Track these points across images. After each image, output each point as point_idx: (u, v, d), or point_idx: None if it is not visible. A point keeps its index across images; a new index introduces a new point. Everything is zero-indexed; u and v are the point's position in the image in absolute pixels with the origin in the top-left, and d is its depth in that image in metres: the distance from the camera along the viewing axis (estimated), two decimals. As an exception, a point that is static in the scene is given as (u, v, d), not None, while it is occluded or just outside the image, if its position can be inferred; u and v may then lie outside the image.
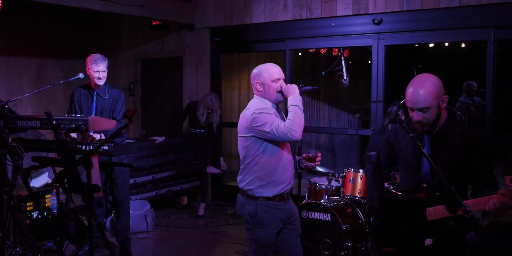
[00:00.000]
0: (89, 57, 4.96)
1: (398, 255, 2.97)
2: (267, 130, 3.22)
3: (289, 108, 3.29)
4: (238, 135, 3.45)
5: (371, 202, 3.32)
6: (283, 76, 3.44)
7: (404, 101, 2.89)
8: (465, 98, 8.08)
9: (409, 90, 2.82)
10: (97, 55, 4.96)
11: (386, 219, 2.36)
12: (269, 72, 3.39)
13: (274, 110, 3.39)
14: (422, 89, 2.76)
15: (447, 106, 2.86)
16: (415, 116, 2.77)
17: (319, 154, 3.50)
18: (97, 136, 4.64)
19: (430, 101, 2.77)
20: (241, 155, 3.46)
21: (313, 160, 3.45)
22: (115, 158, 4.91)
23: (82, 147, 3.77)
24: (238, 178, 3.50)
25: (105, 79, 4.96)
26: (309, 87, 3.50)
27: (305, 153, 3.58)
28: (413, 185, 2.96)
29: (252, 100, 3.49)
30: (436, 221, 2.52)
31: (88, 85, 5.02)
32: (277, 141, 3.31)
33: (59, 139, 3.80)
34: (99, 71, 4.87)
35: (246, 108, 3.44)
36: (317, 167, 5.47)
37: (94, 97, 4.97)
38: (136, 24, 8.58)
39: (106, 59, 4.99)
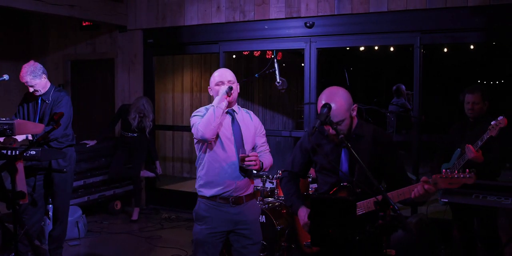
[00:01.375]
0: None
1: (322, 254, 3.06)
2: (191, 131, 3.40)
3: None
4: None
5: (291, 209, 3.38)
6: (228, 79, 3.48)
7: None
8: (396, 99, 8.46)
9: (321, 105, 2.89)
10: (24, 68, 4.67)
11: (316, 220, 2.39)
12: (214, 77, 3.51)
13: (205, 112, 3.41)
14: (333, 103, 2.87)
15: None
16: (331, 129, 2.84)
17: (251, 154, 3.36)
18: (21, 137, 4.47)
19: (342, 114, 2.90)
20: None
21: (242, 160, 3.37)
22: (54, 164, 4.77)
23: (6, 152, 3.62)
24: None
25: (41, 89, 4.75)
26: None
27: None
28: (331, 185, 3.08)
29: None
30: (366, 219, 2.60)
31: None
32: (211, 142, 3.38)
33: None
34: (28, 86, 4.70)
35: None
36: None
37: (39, 102, 4.82)
38: (65, 25, 8.32)
39: (34, 71, 4.66)
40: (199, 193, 3.51)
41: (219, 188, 3.42)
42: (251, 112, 3.69)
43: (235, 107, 3.57)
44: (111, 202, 7.12)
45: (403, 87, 8.44)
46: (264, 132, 3.67)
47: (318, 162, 3.20)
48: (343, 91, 2.97)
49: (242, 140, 3.46)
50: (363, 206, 2.78)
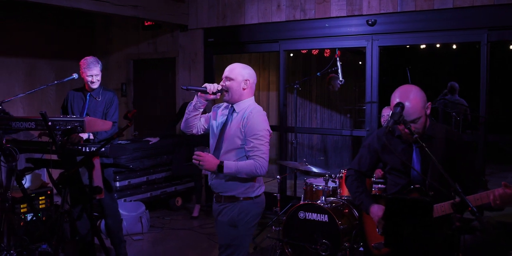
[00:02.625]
0: (82, 60, 4.91)
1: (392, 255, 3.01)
2: None
3: None
4: None
5: (361, 207, 3.33)
6: (225, 74, 3.47)
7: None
8: (451, 96, 8.34)
9: (394, 104, 2.85)
10: (90, 59, 4.91)
11: (391, 220, 2.36)
12: None
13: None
14: (407, 102, 2.84)
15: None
16: (405, 128, 2.80)
17: (198, 153, 3.26)
18: (84, 136, 4.60)
19: (418, 112, 2.87)
20: None
21: None
22: (107, 160, 4.89)
23: (83, 148, 3.73)
24: None
25: (99, 82, 4.94)
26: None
27: None
28: (402, 187, 3.03)
29: None
30: (442, 222, 2.54)
31: (82, 87, 5.02)
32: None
33: (55, 141, 3.76)
34: (92, 75, 4.85)
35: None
36: (311, 167, 5.48)
37: (87, 98, 4.94)
38: (128, 25, 8.54)
39: (100, 62, 4.95)
40: None
41: None
42: (254, 113, 3.35)
43: (237, 105, 3.43)
44: (172, 198, 7.25)
45: (457, 84, 8.40)
46: (257, 136, 3.27)
47: (389, 162, 3.15)
48: (416, 89, 2.93)
49: (222, 139, 3.41)
50: (438, 210, 2.71)
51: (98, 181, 3.30)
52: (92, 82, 4.88)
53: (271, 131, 3.38)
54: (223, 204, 3.47)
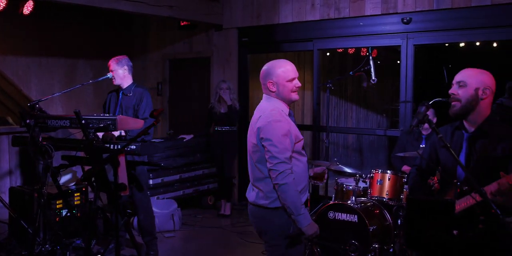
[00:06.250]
0: None
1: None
2: None
3: None
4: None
5: None
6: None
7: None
8: (507, 99, 7.34)
9: None
10: (116, 56, 5.07)
11: (413, 221, 2.32)
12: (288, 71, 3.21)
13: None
14: None
15: None
16: None
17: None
18: (116, 133, 4.68)
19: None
20: None
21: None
22: (139, 158, 4.95)
23: (109, 146, 3.80)
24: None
25: (117, 78, 5.03)
26: None
27: None
28: (448, 184, 2.95)
29: None
30: (466, 223, 2.48)
31: (119, 86, 5.12)
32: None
33: (88, 138, 3.85)
34: (110, 70, 5.02)
35: None
36: (343, 167, 5.42)
37: (120, 95, 5.06)
38: (164, 25, 8.64)
39: (121, 59, 5.05)
40: None
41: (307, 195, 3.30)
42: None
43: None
44: (205, 196, 7.30)
45: None
46: None
47: (441, 160, 3.08)
48: None
49: None
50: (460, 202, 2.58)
51: (123, 178, 3.36)
52: (111, 77, 5.02)
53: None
54: None
